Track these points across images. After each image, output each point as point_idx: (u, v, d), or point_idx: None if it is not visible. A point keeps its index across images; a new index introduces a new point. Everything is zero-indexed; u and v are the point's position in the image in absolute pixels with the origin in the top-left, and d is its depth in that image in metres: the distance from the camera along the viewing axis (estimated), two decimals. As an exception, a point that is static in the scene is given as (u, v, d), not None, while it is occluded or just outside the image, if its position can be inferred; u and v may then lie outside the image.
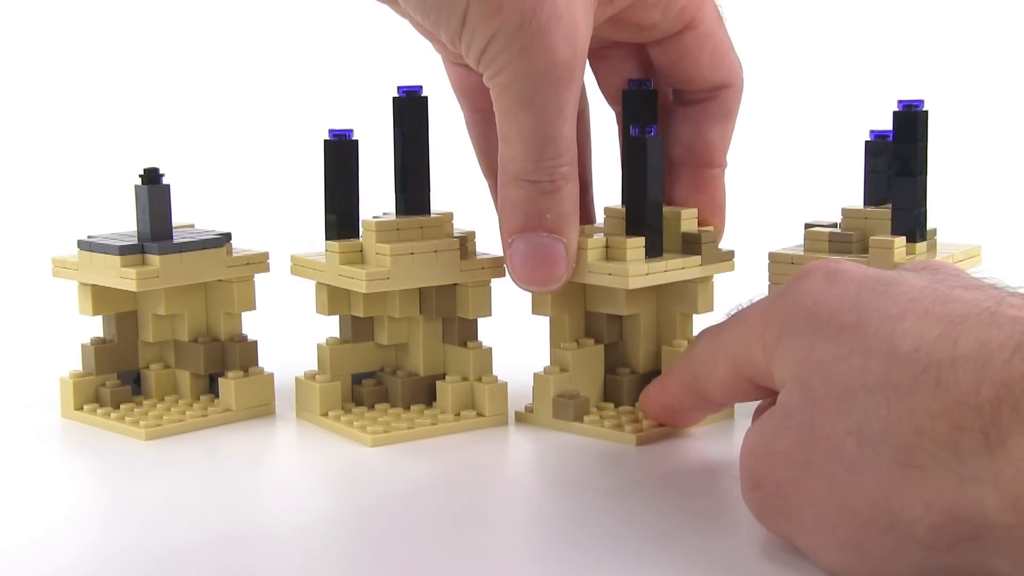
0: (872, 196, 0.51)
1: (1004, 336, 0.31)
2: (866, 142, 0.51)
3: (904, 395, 0.32)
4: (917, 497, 0.31)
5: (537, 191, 0.45)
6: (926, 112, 0.48)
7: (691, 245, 0.50)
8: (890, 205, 0.49)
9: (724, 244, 0.51)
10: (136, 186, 0.51)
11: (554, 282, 0.46)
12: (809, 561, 0.35)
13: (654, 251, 0.49)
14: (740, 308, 0.41)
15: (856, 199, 0.51)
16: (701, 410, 0.47)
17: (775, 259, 0.50)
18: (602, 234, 0.50)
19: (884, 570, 0.32)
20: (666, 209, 0.50)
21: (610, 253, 0.48)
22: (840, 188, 0.57)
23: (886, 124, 0.49)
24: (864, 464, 0.32)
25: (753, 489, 0.36)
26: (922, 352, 0.32)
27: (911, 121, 0.48)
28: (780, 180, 1.02)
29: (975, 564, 0.31)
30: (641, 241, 0.48)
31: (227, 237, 0.52)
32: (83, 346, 0.53)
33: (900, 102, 0.48)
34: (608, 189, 0.54)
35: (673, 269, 0.49)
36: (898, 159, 0.48)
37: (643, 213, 0.48)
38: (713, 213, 0.51)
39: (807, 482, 0.34)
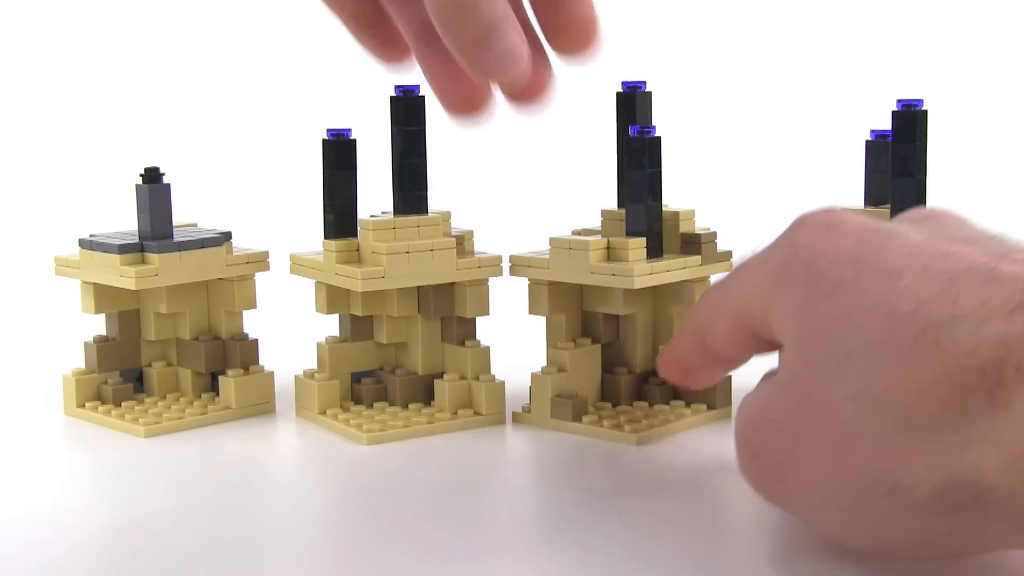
0: (872, 196, 0.51)
1: (1005, 294, 0.30)
2: (866, 142, 0.51)
3: (904, 356, 0.30)
4: (919, 460, 0.30)
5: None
6: (925, 112, 0.48)
7: (690, 245, 0.50)
8: (889, 205, 0.49)
9: (723, 243, 0.51)
10: (137, 185, 0.51)
11: (523, 70, 0.41)
12: (807, 561, 0.35)
13: (655, 251, 0.49)
14: (743, 259, 0.40)
15: (856, 199, 0.51)
16: (712, 367, 0.44)
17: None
18: (601, 236, 0.51)
19: (885, 534, 0.32)
20: (665, 210, 0.50)
21: (612, 254, 0.48)
22: (840, 188, 0.57)
23: (886, 124, 0.49)
24: (864, 428, 0.31)
25: (750, 458, 0.35)
26: (921, 312, 0.31)
27: (910, 121, 0.48)
28: (780, 180, 1.02)
29: (977, 529, 0.30)
30: (642, 242, 0.48)
31: (227, 236, 0.52)
32: (85, 344, 0.53)
33: (899, 101, 0.48)
34: (605, 190, 0.54)
35: (675, 269, 0.49)
36: (897, 159, 0.48)
37: (643, 213, 0.48)
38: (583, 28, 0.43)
39: (805, 448, 0.33)
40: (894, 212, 0.48)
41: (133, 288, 0.50)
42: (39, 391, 0.56)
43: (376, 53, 0.47)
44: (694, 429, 0.50)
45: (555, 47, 0.43)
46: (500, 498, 0.43)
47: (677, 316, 0.51)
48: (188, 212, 0.56)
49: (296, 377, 0.52)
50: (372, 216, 0.51)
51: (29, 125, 1.15)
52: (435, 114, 0.53)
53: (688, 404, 0.51)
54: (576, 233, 0.52)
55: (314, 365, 0.53)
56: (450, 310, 0.51)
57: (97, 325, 0.55)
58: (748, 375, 0.54)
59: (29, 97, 1.17)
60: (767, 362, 0.43)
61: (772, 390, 0.35)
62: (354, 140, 0.50)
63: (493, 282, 0.51)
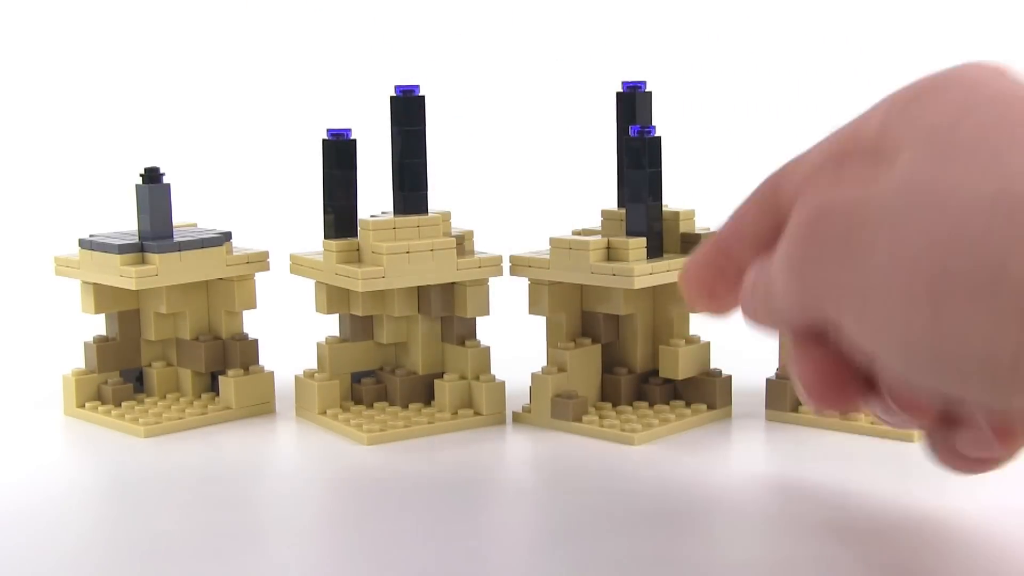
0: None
1: None
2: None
3: None
4: None
5: None
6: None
7: (690, 245, 0.50)
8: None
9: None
10: (137, 185, 0.51)
11: None
12: (806, 561, 0.35)
13: (655, 251, 0.49)
14: None
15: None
16: (739, 245, 0.36)
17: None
18: (601, 236, 0.51)
19: (951, 341, 0.27)
20: (665, 210, 0.50)
21: (612, 254, 0.48)
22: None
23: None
24: (991, 225, 0.26)
25: (810, 228, 0.30)
26: None
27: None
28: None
29: None
30: (643, 242, 0.48)
31: (227, 236, 0.52)
32: (86, 344, 0.53)
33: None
34: (605, 190, 0.54)
35: (675, 269, 0.49)
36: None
37: (643, 213, 0.48)
38: None
39: (895, 219, 0.28)
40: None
41: (133, 288, 0.50)
42: (39, 391, 0.56)
43: None
44: (694, 429, 0.50)
45: None
46: (500, 498, 0.43)
47: (677, 316, 0.51)
48: (188, 212, 0.56)
49: (296, 377, 0.52)
50: (372, 216, 0.51)
51: (29, 125, 1.15)
52: (434, 114, 0.53)
53: (688, 404, 0.51)
54: (576, 233, 0.52)
55: (314, 365, 0.53)
56: (450, 310, 0.51)
57: (97, 325, 0.55)
58: (748, 376, 0.54)
59: (29, 97, 1.17)
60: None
61: (863, 176, 0.30)
62: (354, 140, 0.50)
63: (493, 282, 0.51)
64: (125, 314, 0.53)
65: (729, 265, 0.36)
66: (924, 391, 0.29)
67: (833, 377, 0.32)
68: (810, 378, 0.32)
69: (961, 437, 0.33)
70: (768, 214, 0.35)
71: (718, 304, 0.37)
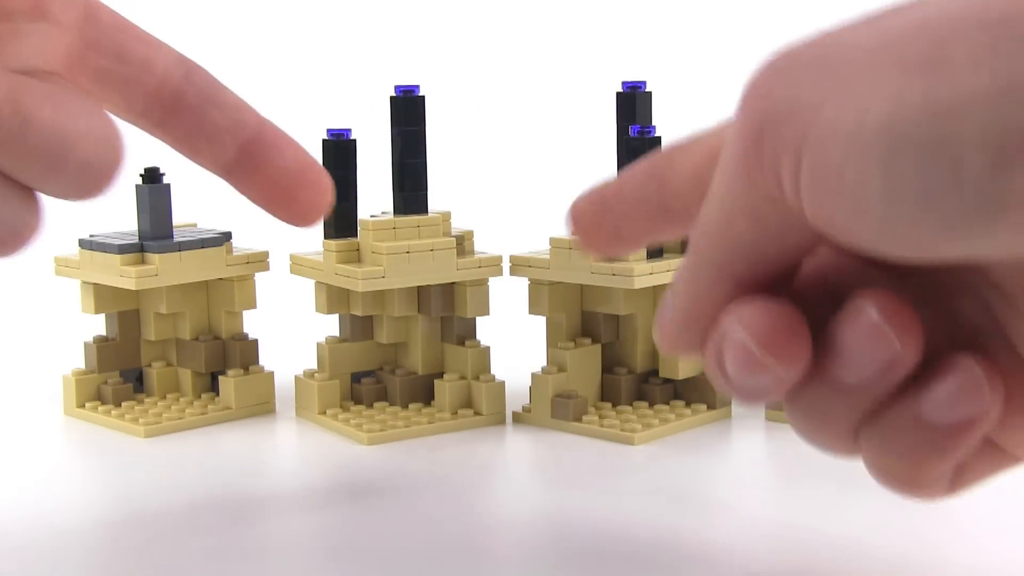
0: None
1: None
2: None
3: None
4: None
5: None
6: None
7: (690, 245, 0.50)
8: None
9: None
10: (136, 185, 0.51)
11: None
12: (805, 562, 0.35)
13: (655, 251, 0.49)
14: None
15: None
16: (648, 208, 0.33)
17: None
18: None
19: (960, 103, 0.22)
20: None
21: (611, 254, 0.48)
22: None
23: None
24: None
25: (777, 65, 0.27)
26: None
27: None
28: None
29: None
30: (641, 241, 0.48)
31: (227, 236, 0.52)
32: (85, 344, 0.53)
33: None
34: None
35: (675, 269, 0.49)
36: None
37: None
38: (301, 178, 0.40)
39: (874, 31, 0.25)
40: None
41: (133, 288, 0.50)
42: (39, 391, 0.56)
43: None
44: (694, 429, 0.50)
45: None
46: (500, 498, 0.43)
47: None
48: (188, 212, 0.56)
49: (296, 377, 0.52)
50: (372, 216, 0.51)
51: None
52: (434, 114, 0.53)
53: (688, 404, 0.51)
54: (576, 233, 0.52)
55: (314, 365, 0.53)
56: (450, 310, 0.51)
57: (97, 325, 0.55)
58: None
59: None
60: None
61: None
62: (354, 140, 0.50)
63: (493, 282, 0.51)
64: (125, 314, 0.53)
65: (609, 216, 0.33)
66: (907, 242, 0.24)
67: (787, 325, 0.27)
68: (760, 326, 0.28)
69: (935, 393, 0.27)
70: (654, 181, 0.33)
71: (594, 240, 0.34)
